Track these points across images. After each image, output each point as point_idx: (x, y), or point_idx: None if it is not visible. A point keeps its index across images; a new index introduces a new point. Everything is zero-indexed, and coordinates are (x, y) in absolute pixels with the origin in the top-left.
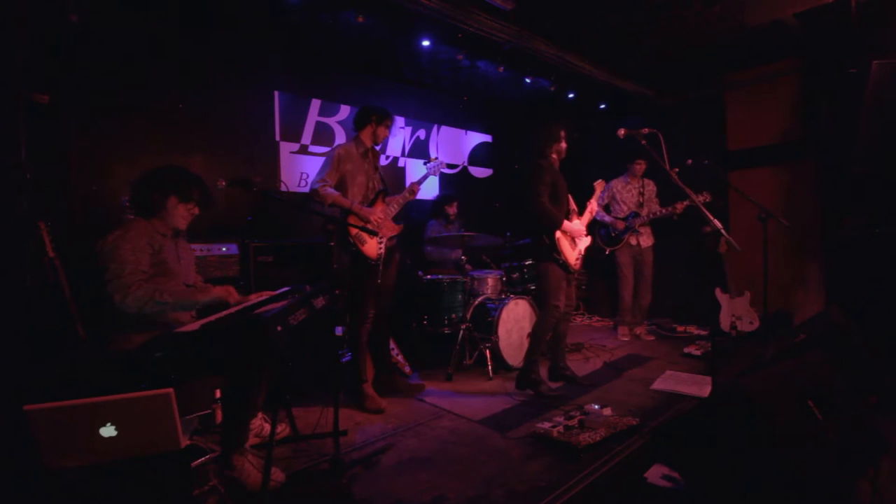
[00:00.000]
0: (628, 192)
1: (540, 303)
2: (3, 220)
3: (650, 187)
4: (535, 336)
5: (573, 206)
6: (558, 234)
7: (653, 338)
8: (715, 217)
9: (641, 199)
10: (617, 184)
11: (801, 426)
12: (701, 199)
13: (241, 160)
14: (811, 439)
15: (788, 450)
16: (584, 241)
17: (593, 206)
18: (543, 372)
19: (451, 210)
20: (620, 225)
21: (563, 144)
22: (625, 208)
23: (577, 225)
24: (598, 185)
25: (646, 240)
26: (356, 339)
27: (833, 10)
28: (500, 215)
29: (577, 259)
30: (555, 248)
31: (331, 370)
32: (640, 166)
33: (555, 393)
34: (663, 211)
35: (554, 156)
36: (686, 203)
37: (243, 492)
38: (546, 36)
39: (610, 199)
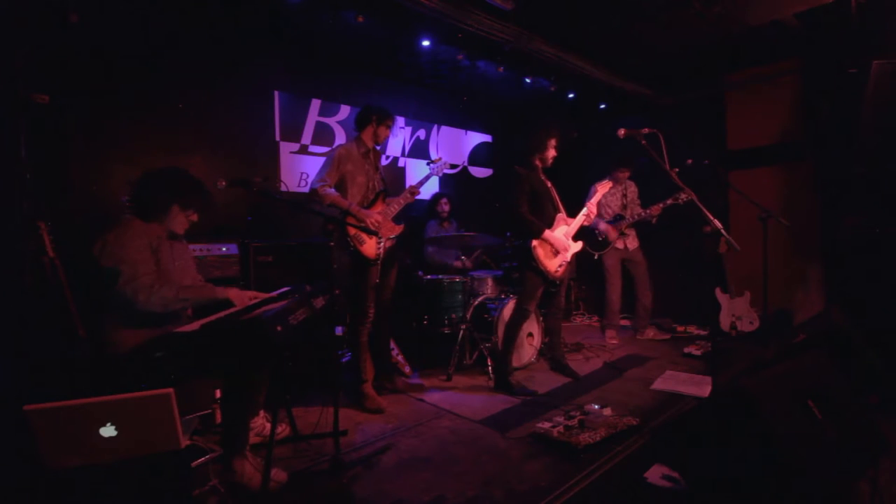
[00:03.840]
0: (612, 196)
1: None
2: (3, 220)
3: (632, 189)
4: (505, 334)
5: (562, 210)
6: (535, 242)
7: (668, 335)
8: (715, 217)
9: (625, 202)
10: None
11: (801, 426)
12: (684, 196)
13: (241, 160)
14: (811, 439)
15: (788, 450)
16: (573, 247)
17: (591, 209)
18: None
19: (440, 208)
20: (612, 233)
21: (550, 153)
22: (610, 212)
23: (560, 234)
24: (602, 186)
25: (632, 242)
26: (356, 339)
27: (833, 10)
28: (500, 215)
29: (559, 266)
30: (531, 256)
31: (331, 370)
32: (624, 174)
33: (528, 396)
34: (643, 214)
35: (537, 163)
36: (661, 207)
37: (245, 493)
38: (546, 36)
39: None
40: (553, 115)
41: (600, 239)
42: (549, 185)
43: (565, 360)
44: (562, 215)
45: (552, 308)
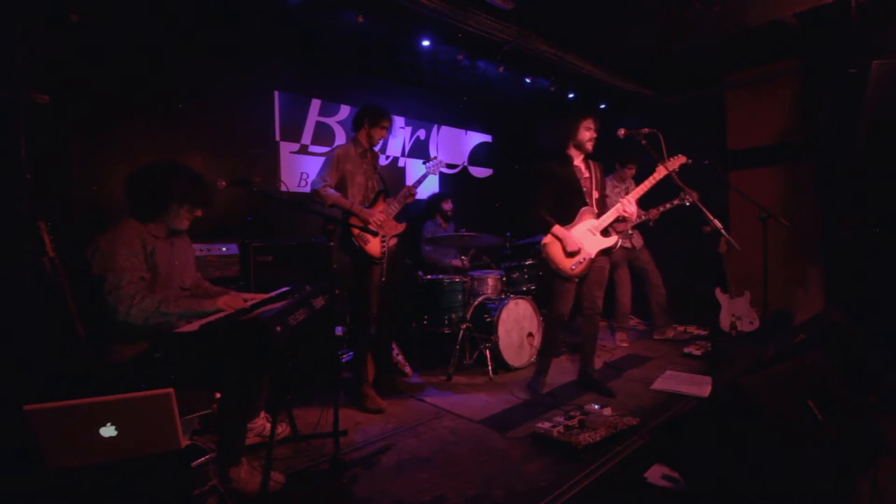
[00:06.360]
0: (616, 195)
1: (539, 302)
2: (3, 220)
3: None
4: (543, 343)
5: (592, 204)
6: (545, 239)
7: (686, 336)
8: (715, 217)
9: None
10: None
11: (801, 426)
12: (689, 198)
13: (241, 160)
14: (811, 439)
15: (788, 450)
16: (599, 243)
17: (624, 203)
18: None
19: (447, 206)
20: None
21: (585, 135)
22: None
23: (582, 229)
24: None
25: (637, 240)
26: (357, 338)
27: (833, 10)
28: (500, 215)
29: (576, 264)
30: (544, 254)
31: (331, 370)
32: (631, 171)
33: (539, 400)
34: (642, 215)
35: (572, 153)
36: (660, 210)
37: (243, 496)
38: (546, 36)
39: None
40: (550, 116)
41: None
42: (588, 174)
43: (591, 371)
44: (588, 209)
45: (587, 310)
